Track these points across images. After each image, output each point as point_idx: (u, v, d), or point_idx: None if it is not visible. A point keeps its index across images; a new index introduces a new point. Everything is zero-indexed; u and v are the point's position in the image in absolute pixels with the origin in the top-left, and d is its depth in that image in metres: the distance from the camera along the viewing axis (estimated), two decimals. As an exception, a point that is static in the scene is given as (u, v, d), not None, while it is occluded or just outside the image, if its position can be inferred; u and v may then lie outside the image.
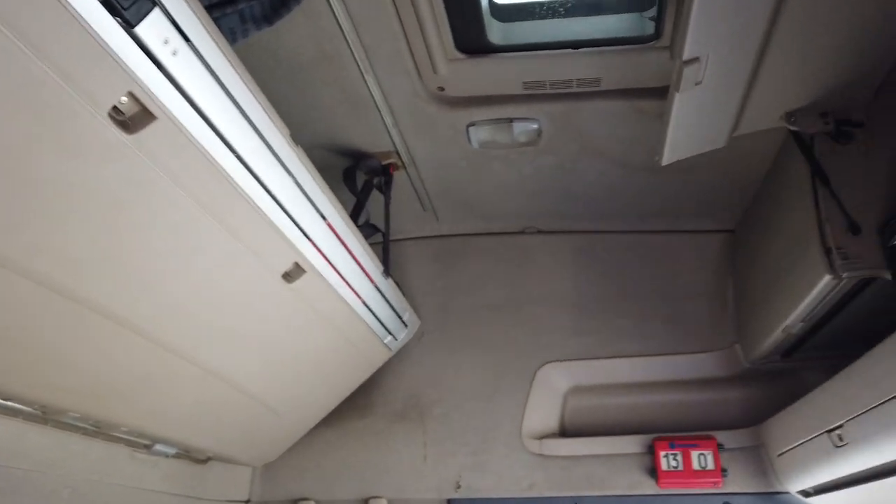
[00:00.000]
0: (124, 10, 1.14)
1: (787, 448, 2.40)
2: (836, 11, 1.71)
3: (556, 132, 2.54)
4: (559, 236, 3.33)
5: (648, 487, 2.71)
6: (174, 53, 1.29)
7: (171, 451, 2.40)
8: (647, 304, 3.14)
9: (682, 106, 1.84)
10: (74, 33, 1.10)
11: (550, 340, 3.14)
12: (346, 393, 2.84)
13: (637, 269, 3.20)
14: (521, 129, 2.52)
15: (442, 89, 2.43)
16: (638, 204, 3.05)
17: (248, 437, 2.55)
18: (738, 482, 2.64)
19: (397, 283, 2.67)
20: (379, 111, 2.45)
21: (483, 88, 2.42)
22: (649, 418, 2.94)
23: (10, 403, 1.79)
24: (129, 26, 1.17)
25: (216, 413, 2.24)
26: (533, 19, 2.32)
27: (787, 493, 2.56)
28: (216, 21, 1.43)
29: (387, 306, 2.60)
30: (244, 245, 1.73)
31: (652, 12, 2.15)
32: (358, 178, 2.75)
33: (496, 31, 2.29)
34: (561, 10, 2.28)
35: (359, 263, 2.26)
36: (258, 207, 1.67)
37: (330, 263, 2.09)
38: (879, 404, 1.71)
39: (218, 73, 1.41)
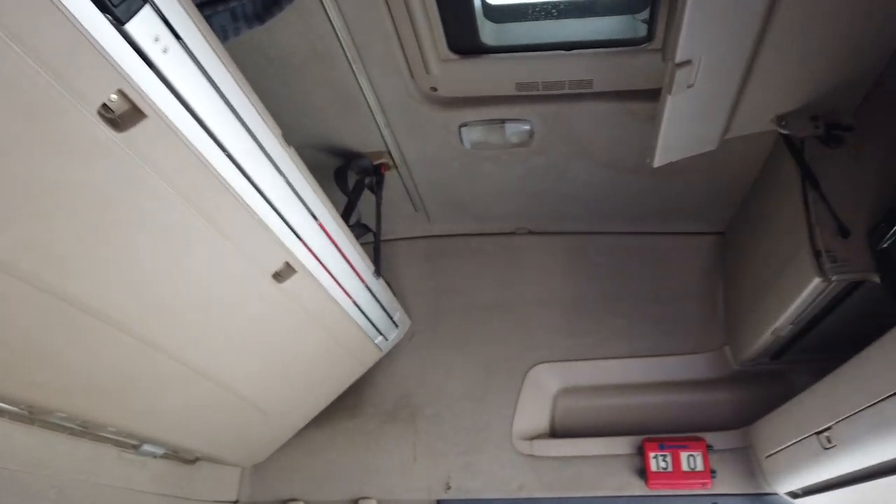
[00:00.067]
0: (114, 6, 1.13)
1: (776, 450, 2.41)
2: (828, 16, 1.72)
3: (548, 133, 2.54)
4: (550, 237, 3.33)
5: (638, 488, 2.72)
6: (165, 51, 1.28)
7: (159, 451, 2.37)
8: (638, 305, 3.15)
9: (673, 108, 1.84)
10: (64, 30, 1.08)
11: (541, 341, 3.14)
12: (337, 393, 2.83)
13: (628, 271, 3.21)
14: (514, 130, 2.52)
15: (434, 89, 2.42)
16: (629, 205, 3.05)
17: (237, 438, 2.54)
18: (726, 483, 2.66)
19: (388, 284, 2.66)
20: (371, 111, 2.44)
21: (475, 89, 2.42)
22: (639, 419, 2.95)
23: (-4, 403, 1.78)
24: (119, 23, 1.16)
25: (205, 413, 2.23)
26: (526, 20, 2.32)
27: (775, 494, 2.58)
28: (207, 19, 1.41)
29: (378, 306, 2.59)
30: (234, 245, 1.72)
31: (644, 15, 2.15)
32: (349, 178, 2.74)
33: (489, 32, 2.28)
34: (554, 11, 2.28)
35: (350, 263, 2.25)
36: (249, 207, 1.66)
37: (321, 263, 2.08)
38: (868, 406, 1.72)
39: (209, 71, 1.40)
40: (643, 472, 2.71)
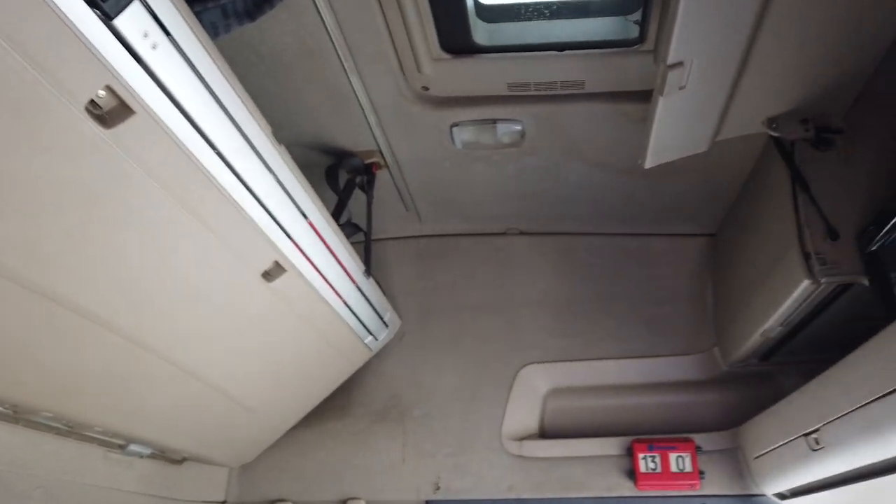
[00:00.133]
0: (103, 1, 1.12)
1: (764, 451, 2.42)
2: (818, 20, 1.73)
3: (540, 134, 2.54)
4: (541, 238, 3.33)
5: (627, 489, 2.72)
6: (154, 47, 1.27)
7: (146, 451, 2.35)
8: (628, 306, 3.15)
9: (665, 110, 1.84)
10: (51, 25, 1.07)
11: (531, 342, 3.14)
12: (326, 393, 2.81)
13: (618, 272, 3.22)
14: (505, 131, 2.51)
15: (426, 89, 2.41)
16: (620, 206, 3.06)
17: (225, 438, 2.52)
18: (715, 484, 2.67)
19: (379, 283, 2.65)
20: (362, 110, 2.43)
21: (467, 89, 2.42)
22: (628, 420, 2.95)
23: (-21, 403, 1.75)
24: (107, 18, 1.15)
25: (192, 413, 2.21)
26: (518, 20, 2.32)
27: (763, 495, 2.59)
28: (197, 15, 1.40)
29: (368, 306, 2.58)
30: (223, 243, 1.70)
31: (636, 16, 2.16)
32: (340, 177, 2.72)
33: (481, 32, 2.28)
34: (546, 12, 2.28)
35: (340, 263, 2.24)
36: (238, 205, 1.64)
37: (311, 263, 2.06)
38: (856, 409, 1.73)
39: (199, 67, 1.39)
40: (632, 473, 2.71)
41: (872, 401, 1.65)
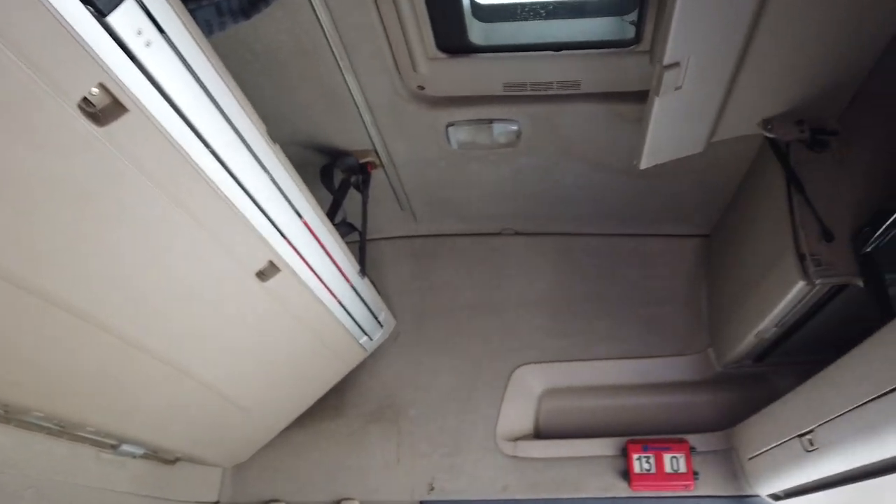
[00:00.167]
0: (96, -2, 1.11)
1: (758, 452, 2.42)
2: (814, 21, 1.73)
3: (536, 134, 2.53)
4: (537, 238, 3.33)
5: (621, 490, 2.72)
6: (148, 45, 1.25)
7: (139, 451, 2.33)
8: (623, 307, 3.15)
9: (661, 110, 1.84)
10: (44, 21, 1.06)
11: (526, 342, 3.14)
12: (320, 393, 2.80)
13: (613, 273, 3.22)
14: (501, 131, 2.51)
15: (422, 88, 2.41)
16: (615, 207, 3.06)
17: (219, 438, 2.51)
18: (709, 485, 2.67)
19: (373, 283, 2.64)
20: (357, 109, 2.42)
21: (463, 88, 2.41)
22: (623, 421, 2.95)
23: (-30, 402, 1.74)
24: (100, 15, 1.13)
25: (186, 413, 2.20)
26: (514, 20, 2.31)
27: (757, 496, 2.59)
28: (192, 13, 1.39)
29: (363, 306, 2.57)
30: (217, 242, 1.69)
31: (633, 16, 2.15)
32: (335, 176, 2.71)
33: (477, 31, 2.27)
34: (542, 12, 2.28)
35: (335, 263, 2.23)
36: (232, 204, 1.63)
37: (305, 262, 2.05)
38: (850, 410, 1.73)
39: (193, 65, 1.37)
40: (626, 474, 2.71)
41: (867, 402, 1.65)
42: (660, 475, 2.68)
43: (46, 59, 1.10)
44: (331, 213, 2.54)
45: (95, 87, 1.21)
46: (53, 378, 1.68)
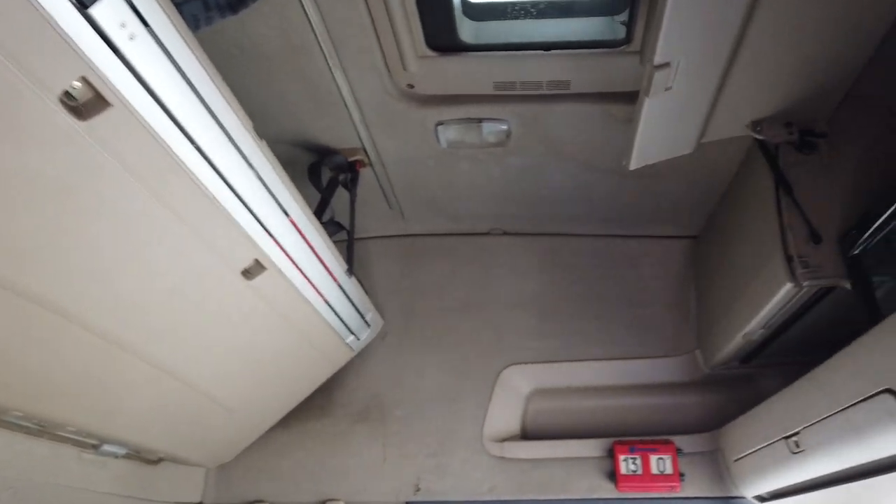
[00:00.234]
0: (78, -11, 1.09)
1: (744, 453, 2.43)
2: (804, 24, 1.74)
3: (525, 134, 2.53)
4: (525, 238, 3.32)
5: (607, 491, 2.72)
6: (131, 38, 1.23)
7: (121, 451, 2.30)
8: (611, 308, 3.15)
9: (651, 111, 1.84)
10: (24, 13, 1.04)
11: (514, 343, 3.13)
12: (306, 393, 2.78)
13: (601, 273, 3.22)
14: (490, 130, 2.50)
15: (411, 87, 2.39)
16: (604, 208, 3.06)
17: (203, 438, 2.48)
18: (695, 486, 2.67)
19: (361, 283, 2.63)
20: (346, 107, 2.40)
21: (453, 87, 2.40)
22: (610, 422, 2.95)
23: (-53, 401, 1.70)
24: (82, 7, 1.11)
25: (168, 413, 2.17)
26: (505, 19, 2.31)
27: (742, 498, 2.59)
28: (178, 7, 1.36)
29: (350, 306, 2.55)
30: (201, 240, 1.67)
31: (623, 17, 2.15)
32: (323, 175, 2.69)
33: (468, 30, 2.26)
34: (533, 11, 2.27)
35: (322, 262, 2.21)
36: (217, 201, 1.61)
37: (292, 261, 2.03)
38: (836, 412, 1.74)
39: (178, 60, 1.35)
40: (613, 475, 2.71)
41: (853, 404, 1.65)
42: (646, 476, 2.67)
43: (27, 51, 1.07)
44: (318, 212, 2.52)
45: (77, 80, 1.19)
46: (33, 377, 1.64)
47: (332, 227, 2.57)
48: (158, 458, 2.59)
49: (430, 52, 2.26)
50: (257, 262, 1.88)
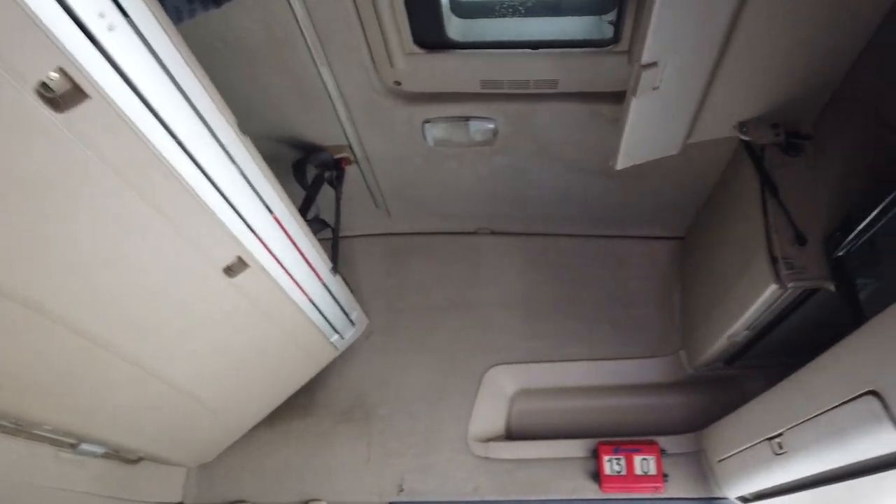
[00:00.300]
0: (55, -24, 1.06)
1: (728, 454, 2.43)
2: (791, 26, 1.74)
3: (513, 133, 2.51)
4: (512, 238, 3.32)
5: (591, 492, 2.72)
6: (111, 29, 1.21)
7: (100, 450, 2.27)
8: (596, 308, 3.15)
9: (638, 110, 1.83)
10: (-2, 0, 1.01)
11: (499, 343, 3.12)
12: (289, 392, 2.75)
13: (588, 274, 3.22)
14: (478, 128, 2.48)
15: (398, 84, 2.37)
16: (591, 208, 3.05)
17: (183, 438, 2.44)
18: (679, 487, 2.68)
19: (346, 281, 2.60)
20: (332, 103, 2.37)
21: (440, 85, 2.38)
22: (594, 422, 2.95)
23: (-81, 399, 1.66)
24: (59, -5, 1.09)
25: (149, 412, 2.13)
26: (493, 17, 2.29)
27: (725, 499, 2.60)
28: (161, -1, 1.34)
29: (334, 304, 2.53)
30: (183, 236, 1.64)
31: (611, 16, 2.14)
32: (308, 172, 2.67)
33: (455, 27, 2.25)
34: (521, 9, 2.26)
35: (306, 259, 2.19)
36: (198, 197, 1.58)
37: (275, 258, 2.01)
38: (819, 414, 1.74)
39: (159, 52, 1.33)
40: (597, 476, 2.71)
41: (836, 406, 1.66)
42: (630, 477, 2.68)
43: (0, 39, 1.04)
44: (303, 209, 2.50)
45: (54, 71, 1.16)
46: (9, 375, 1.61)
47: (316, 225, 2.54)
48: (138, 458, 2.55)
49: (417, 49, 2.24)
50: (240, 259, 1.86)
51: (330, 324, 2.55)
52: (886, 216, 1.75)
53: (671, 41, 1.65)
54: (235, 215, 1.74)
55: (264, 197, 1.84)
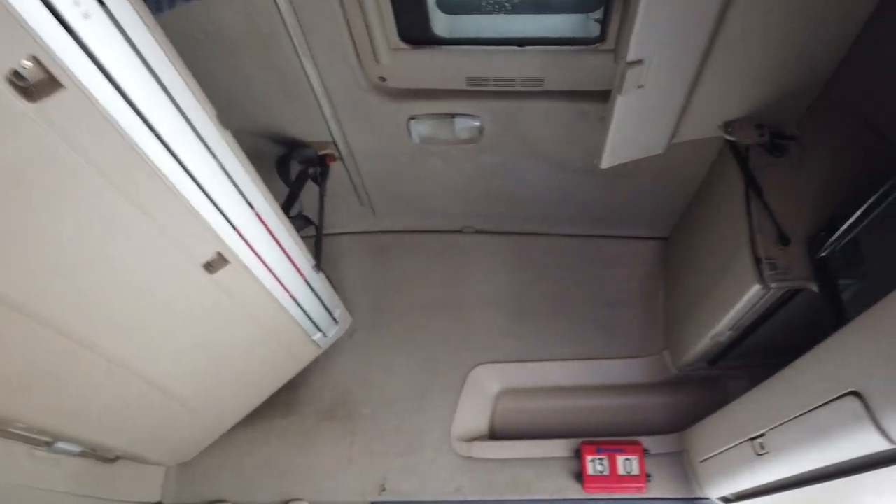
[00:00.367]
0: (27, -38, 1.03)
1: (710, 455, 2.43)
2: (777, 25, 1.74)
3: (498, 131, 2.50)
4: (497, 237, 3.30)
5: (574, 492, 2.71)
6: (86, 17, 1.18)
7: (76, 448, 2.23)
8: (581, 308, 3.15)
9: (623, 109, 1.83)
10: (-34, -16, 0.98)
11: (484, 342, 3.11)
12: (271, 391, 2.72)
13: (572, 273, 3.21)
14: (463, 126, 2.47)
15: (383, 80, 2.35)
16: (576, 208, 3.05)
17: (162, 436, 2.41)
18: (661, 487, 2.68)
19: (329, 279, 2.58)
20: (316, 99, 2.35)
21: (426, 81, 2.36)
22: (578, 422, 2.94)
23: None
24: (32, -19, 1.06)
25: (126, 410, 2.10)
26: (479, 13, 2.27)
27: (707, 499, 2.60)
28: (139, -13, 1.31)
29: (317, 302, 2.50)
30: (161, 231, 1.61)
31: (598, 14, 2.13)
32: (292, 168, 2.64)
33: (441, 23, 2.23)
34: (507, 6, 2.24)
35: (288, 256, 2.16)
36: (177, 191, 1.56)
37: (257, 255, 1.98)
38: (801, 414, 1.74)
39: (136, 42, 1.30)
40: (580, 476, 2.70)
41: (818, 406, 1.66)
42: (613, 477, 2.67)
43: (-30, 25, 1.02)
44: (286, 206, 2.47)
45: (27, 59, 1.13)
46: (-20, 371, 1.58)
47: (300, 222, 2.51)
48: (115, 457, 2.51)
49: (402, 45, 2.22)
50: (220, 255, 1.83)
51: (313, 322, 2.53)
52: (869, 217, 1.75)
53: (657, 39, 1.65)
54: (215, 210, 1.71)
55: (245, 192, 1.81)
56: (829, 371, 1.64)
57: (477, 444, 2.87)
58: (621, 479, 2.66)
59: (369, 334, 3.16)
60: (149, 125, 1.40)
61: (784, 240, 2.00)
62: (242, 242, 1.89)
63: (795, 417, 1.78)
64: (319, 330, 2.62)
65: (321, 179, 2.66)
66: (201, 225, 1.69)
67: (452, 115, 2.44)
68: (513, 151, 2.63)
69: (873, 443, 1.45)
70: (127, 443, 2.30)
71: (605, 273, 3.20)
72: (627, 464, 2.69)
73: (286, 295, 2.25)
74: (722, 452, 2.32)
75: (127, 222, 1.52)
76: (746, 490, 2.27)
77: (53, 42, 1.14)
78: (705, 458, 2.49)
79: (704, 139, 2.16)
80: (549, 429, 2.93)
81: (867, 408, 1.44)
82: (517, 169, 2.76)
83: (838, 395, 1.55)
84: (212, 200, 1.68)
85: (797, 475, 1.89)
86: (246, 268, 1.96)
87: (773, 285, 1.98)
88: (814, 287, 1.94)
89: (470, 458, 2.83)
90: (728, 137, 2.07)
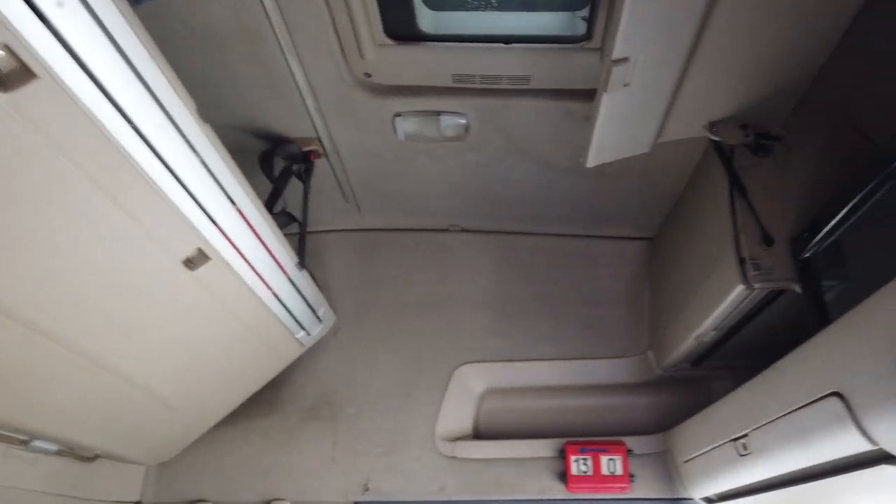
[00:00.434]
0: (-3, -54, 1.00)
1: (693, 455, 2.43)
2: (762, 26, 1.74)
3: (484, 128, 2.49)
4: (483, 236, 3.29)
5: (558, 492, 2.70)
6: (59, 5, 1.15)
7: (53, 447, 2.19)
8: (566, 307, 3.14)
9: (609, 107, 1.82)
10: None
11: (468, 341, 3.10)
12: (253, 389, 2.69)
13: (557, 273, 3.21)
14: (449, 123, 2.45)
15: (369, 76, 2.33)
16: (561, 207, 3.04)
17: (141, 435, 2.37)
18: (645, 488, 2.68)
19: (313, 277, 2.55)
20: (301, 94, 2.32)
21: (411, 78, 2.34)
22: (562, 422, 2.94)
23: None
24: (3, -33, 1.03)
25: (104, 408, 2.06)
26: (465, 10, 2.27)
27: (690, 499, 2.60)
28: (118, -23, 1.29)
29: (300, 300, 2.48)
30: (139, 225, 1.58)
31: (584, 12, 2.13)
32: (275, 164, 2.61)
33: (427, 19, 2.21)
34: (494, 3, 2.24)
35: (271, 253, 2.14)
36: (155, 185, 1.53)
37: (238, 252, 1.95)
38: (783, 415, 1.74)
39: (112, 32, 1.27)
40: (564, 476, 2.69)
41: (800, 407, 1.66)
42: (596, 477, 2.67)
43: (-62, 12, 0.99)
44: (269, 203, 2.44)
45: (-1, 48, 1.10)
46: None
47: (283, 219, 2.48)
48: (94, 455, 2.47)
49: (388, 41, 2.21)
50: (200, 251, 1.80)
51: (296, 319, 2.50)
52: (853, 218, 1.76)
53: (643, 37, 1.64)
54: (195, 205, 1.68)
55: (226, 187, 1.78)
56: (812, 372, 1.63)
57: (461, 443, 2.85)
58: (605, 479, 2.66)
59: (353, 333, 3.14)
60: (126, 117, 1.38)
61: (768, 240, 2.01)
62: (223, 238, 1.86)
63: (778, 418, 1.78)
64: (303, 328, 2.60)
65: (305, 176, 2.64)
66: (181, 219, 1.66)
67: (438, 113, 2.42)
68: (499, 150, 2.62)
69: (855, 443, 1.45)
70: (105, 441, 2.26)
71: (590, 273, 3.20)
72: (611, 464, 2.68)
73: (269, 292, 2.22)
74: (705, 453, 2.32)
75: (103, 216, 1.49)
76: (729, 490, 2.27)
77: (26, 30, 1.11)
78: (689, 458, 2.49)
79: (690, 139, 2.16)
80: (533, 429, 2.92)
81: (849, 408, 1.44)
82: (503, 167, 2.75)
83: (820, 395, 1.55)
84: (191, 194, 1.65)
85: (780, 476, 1.89)
86: (227, 264, 1.93)
87: (756, 286, 1.98)
88: (797, 288, 1.94)
89: (454, 457, 2.82)
90: (713, 137, 2.07)
